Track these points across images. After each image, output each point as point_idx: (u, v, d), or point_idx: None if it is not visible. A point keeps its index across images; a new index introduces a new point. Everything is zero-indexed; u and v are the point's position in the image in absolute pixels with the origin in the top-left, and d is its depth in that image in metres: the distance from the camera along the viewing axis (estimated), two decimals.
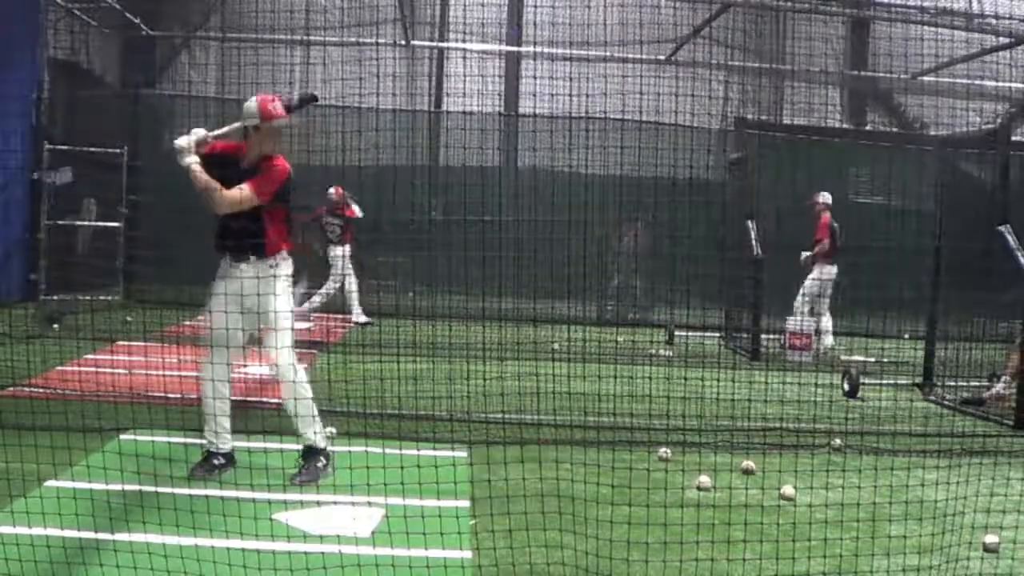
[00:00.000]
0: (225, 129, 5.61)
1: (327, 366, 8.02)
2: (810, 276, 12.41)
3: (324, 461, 5.65)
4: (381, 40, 14.91)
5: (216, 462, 5.57)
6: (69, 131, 13.78)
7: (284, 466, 5.58)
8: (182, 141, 5.38)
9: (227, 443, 5.62)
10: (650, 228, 15.34)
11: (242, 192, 5.39)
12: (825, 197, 12.61)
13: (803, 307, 12.41)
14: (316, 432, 5.63)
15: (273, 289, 5.48)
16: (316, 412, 5.64)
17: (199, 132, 5.44)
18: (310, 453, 5.64)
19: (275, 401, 7.25)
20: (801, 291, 12.44)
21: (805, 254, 12.47)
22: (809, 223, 12.61)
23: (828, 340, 12.50)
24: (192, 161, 5.36)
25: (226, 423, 5.61)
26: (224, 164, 5.52)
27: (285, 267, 5.62)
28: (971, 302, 10.13)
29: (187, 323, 10.90)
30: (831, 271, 12.42)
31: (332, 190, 13.19)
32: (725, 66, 15.17)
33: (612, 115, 9.11)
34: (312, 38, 14.74)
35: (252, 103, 5.50)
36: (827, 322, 12.54)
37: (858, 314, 12.94)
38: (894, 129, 17.81)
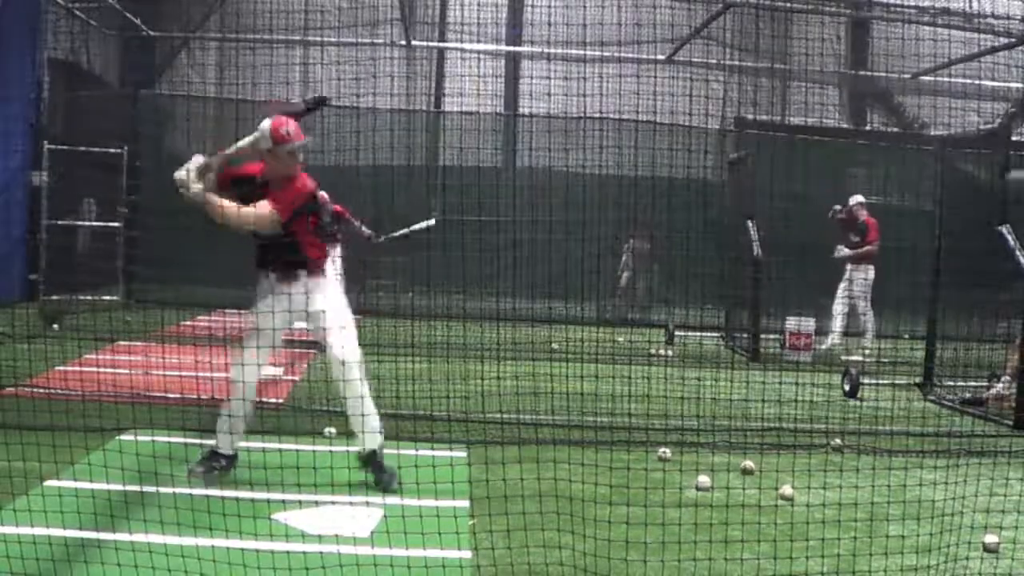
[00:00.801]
0: (231, 150, 5.45)
1: (327, 366, 8.01)
2: (856, 279, 12.25)
3: (391, 474, 5.52)
4: (381, 40, 14.92)
5: (216, 464, 5.56)
6: (69, 131, 13.78)
7: (283, 466, 5.58)
8: (181, 174, 5.25)
9: (234, 447, 5.61)
10: (649, 232, 15.34)
11: (258, 208, 5.33)
12: (858, 199, 12.56)
13: (867, 310, 12.29)
14: (379, 436, 5.53)
15: (322, 291, 5.51)
16: (376, 418, 5.56)
17: (197, 159, 5.31)
18: (372, 459, 5.54)
19: (275, 401, 7.28)
20: (859, 298, 12.27)
21: (844, 251, 12.33)
22: (845, 225, 12.51)
23: (848, 339, 12.34)
24: (198, 190, 5.23)
25: (242, 426, 5.60)
26: (252, 185, 5.47)
27: (329, 270, 5.66)
28: (971, 302, 10.12)
29: (186, 322, 10.92)
30: (872, 271, 12.31)
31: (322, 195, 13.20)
32: (725, 66, 15.16)
33: (612, 115, 9.10)
34: (312, 38, 14.75)
35: (265, 126, 5.39)
36: (866, 322, 12.41)
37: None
38: (894, 129, 17.80)
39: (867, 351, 12.08)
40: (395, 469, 5.50)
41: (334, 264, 13.47)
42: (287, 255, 5.48)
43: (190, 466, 5.54)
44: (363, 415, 5.41)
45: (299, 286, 5.49)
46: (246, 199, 5.38)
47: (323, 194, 13.21)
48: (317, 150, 10.03)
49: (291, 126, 5.46)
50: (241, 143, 5.49)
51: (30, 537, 4.02)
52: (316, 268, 5.57)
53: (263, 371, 5.82)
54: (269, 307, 5.50)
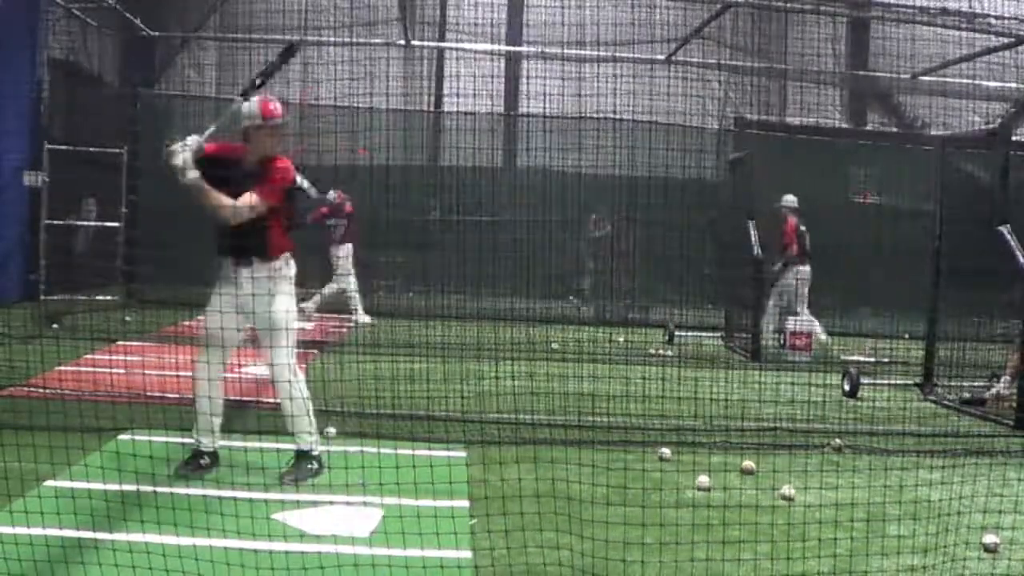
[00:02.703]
0: (213, 127, 5.36)
1: (327, 366, 8.02)
2: (782, 281, 12.39)
3: (316, 465, 5.57)
4: (381, 40, 14.91)
5: (202, 461, 5.55)
6: (69, 131, 13.77)
7: (281, 466, 5.57)
8: (179, 160, 5.09)
9: (213, 443, 5.60)
10: (619, 221, 15.21)
11: (252, 199, 5.27)
12: (790, 201, 12.60)
13: (801, 309, 12.35)
14: (311, 434, 5.56)
15: (275, 289, 5.44)
16: (311, 414, 5.58)
17: (192, 141, 5.18)
18: (301, 456, 5.58)
19: (273, 401, 7.25)
20: (775, 293, 12.41)
21: (777, 266, 12.43)
22: (776, 227, 12.56)
23: (823, 337, 12.41)
24: (194, 177, 5.12)
25: (216, 422, 5.57)
26: (222, 166, 5.35)
27: (287, 269, 5.57)
28: (971, 302, 10.11)
29: (186, 323, 10.91)
30: (806, 271, 12.37)
31: (333, 193, 13.21)
32: (725, 66, 15.15)
33: (612, 115, 9.09)
34: (312, 38, 14.73)
35: (252, 104, 5.41)
36: (812, 322, 12.44)
37: (858, 314, 12.93)
38: (894, 129, 17.79)
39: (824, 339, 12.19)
40: (308, 475, 5.50)
41: (345, 261, 13.52)
42: (249, 239, 5.36)
43: (177, 467, 5.53)
44: (292, 415, 5.47)
45: (251, 273, 5.39)
46: (216, 181, 5.23)
47: (340, 192, 13.29)
48: (321, 150, 10.04)
49: (277, 103, 5.48)
50: (219, 122, 5.43)
51: (29, 537, 4.02)
52: (273, 256, 5.45)
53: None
54: (226, 302, 5.43)
